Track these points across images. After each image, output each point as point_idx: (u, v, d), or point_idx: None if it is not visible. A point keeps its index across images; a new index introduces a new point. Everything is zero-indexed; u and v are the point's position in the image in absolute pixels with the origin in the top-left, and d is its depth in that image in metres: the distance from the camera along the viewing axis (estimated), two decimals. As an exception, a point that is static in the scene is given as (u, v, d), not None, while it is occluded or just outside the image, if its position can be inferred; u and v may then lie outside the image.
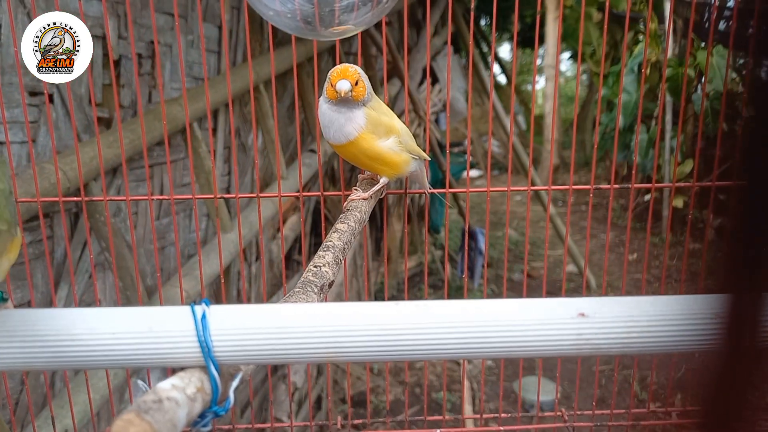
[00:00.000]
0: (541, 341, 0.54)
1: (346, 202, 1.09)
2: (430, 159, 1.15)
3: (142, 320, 0.50)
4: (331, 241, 0.84)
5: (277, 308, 0.53)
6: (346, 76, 0.99)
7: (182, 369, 0.52)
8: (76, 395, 1.57)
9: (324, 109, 1.04)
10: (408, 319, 0.53)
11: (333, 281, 0.72)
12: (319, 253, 0.79)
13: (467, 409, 3.24)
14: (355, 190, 1.12)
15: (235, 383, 0.53)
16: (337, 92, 0.99)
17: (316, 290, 0.66)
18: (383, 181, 1.09)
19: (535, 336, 0.54)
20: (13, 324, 0.49)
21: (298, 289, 0.65)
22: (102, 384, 1.66)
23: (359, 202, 1.07)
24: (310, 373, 2.54)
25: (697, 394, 0.30)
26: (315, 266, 0.74)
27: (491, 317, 0.53)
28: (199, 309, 0.52)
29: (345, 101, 1.01)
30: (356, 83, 1.00)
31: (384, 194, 1.17)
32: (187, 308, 0.52)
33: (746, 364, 0.29)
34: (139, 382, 0.51)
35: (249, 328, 0.52)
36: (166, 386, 0.48)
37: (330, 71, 1.02)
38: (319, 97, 1.08)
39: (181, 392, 0.48)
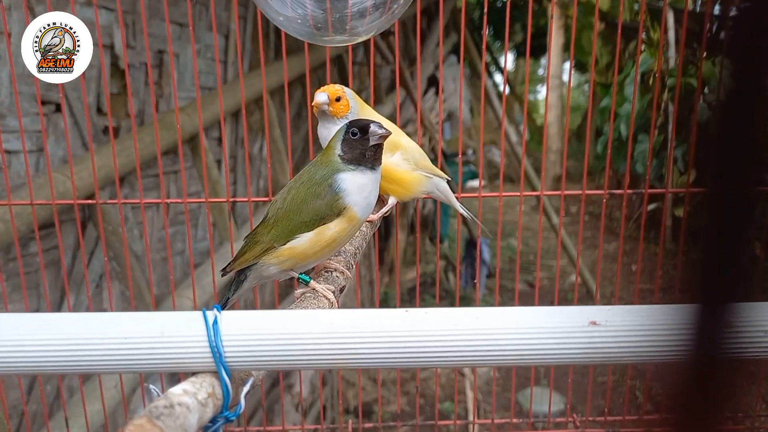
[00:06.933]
0: (553, 349, 0.54)
1: None
2: (450, 178, 1.11)
3: (154, 325, 0.50)
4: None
5: (288, 314, 0.53)
6: (326, 90, 0.98)
7: (194, 374, 0.52)
8: (89, 401, 1.57)
9: (317, 128, 1.03)
10: (419, 325, 0.53)
11: (345, 286, 0.72)
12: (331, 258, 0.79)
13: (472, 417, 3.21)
14: None
15: (246, 388, 0.53)
16: (313, 105, 0.97)
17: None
18: (392, 201, 1.07)
19: (546, 343, 0.53)
20: (25, 329, 0.49)
21: (309, 294, 0.65)
22: (112, 392, 1.65)
23: None
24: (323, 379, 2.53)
25: (668, 403, 0.30)
26: (326, 271, 0.74)
27: (503, 324, 0.53)
28: (210, 314, 0.52)
29: (326, 117, 0.99)
30: (337, 99, 0.98)
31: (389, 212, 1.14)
32: (198, 314, 0.52)
33: (708, 375, 0.29)
34: (151, 387, 0.51)
35: (260, 334, 0.52)
36: (178, 391, 0.48)
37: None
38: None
39: (193, 397, 0.48)
